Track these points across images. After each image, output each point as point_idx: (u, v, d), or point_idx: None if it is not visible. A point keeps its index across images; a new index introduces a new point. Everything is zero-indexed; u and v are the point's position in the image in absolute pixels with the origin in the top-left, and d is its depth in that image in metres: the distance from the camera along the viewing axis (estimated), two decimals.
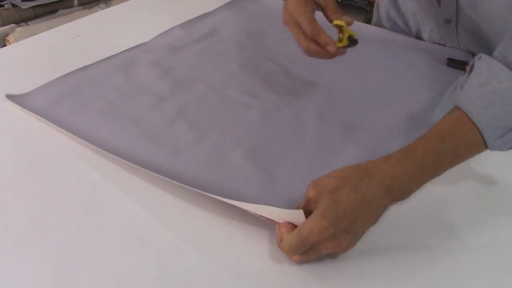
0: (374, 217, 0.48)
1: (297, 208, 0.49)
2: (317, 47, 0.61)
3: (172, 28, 0.92)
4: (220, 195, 0.52)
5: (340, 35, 0.62)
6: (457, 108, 0.51)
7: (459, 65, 0.77)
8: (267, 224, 0.51)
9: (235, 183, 0.57)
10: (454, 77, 0.75)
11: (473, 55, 0.79)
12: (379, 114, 0.68)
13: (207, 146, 0.63)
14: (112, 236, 0.52)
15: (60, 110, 0.69)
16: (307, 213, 0.48)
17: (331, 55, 0.61)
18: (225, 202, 0.52)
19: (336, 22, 0.62)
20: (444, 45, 0.82)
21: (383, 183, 0.47)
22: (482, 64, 0.53)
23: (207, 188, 0.54)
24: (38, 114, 0.68)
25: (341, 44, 0.62)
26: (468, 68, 0.74)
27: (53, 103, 0.70)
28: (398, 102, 0.70)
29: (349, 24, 0.62)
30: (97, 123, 0.66)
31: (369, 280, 0.48)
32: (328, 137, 0.64)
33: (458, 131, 0.49)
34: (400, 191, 0.48)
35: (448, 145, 0.49)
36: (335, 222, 0.45)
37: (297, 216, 0.48)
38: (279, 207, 0.49)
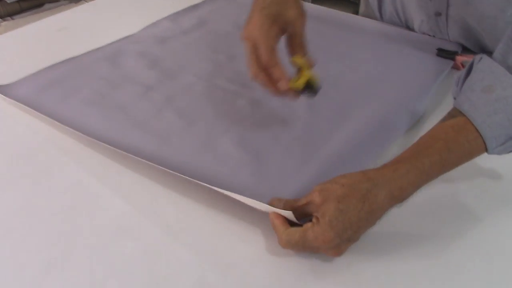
0: (375, 222, 0.48)
1: (291, 204, 0.49)
2: (267, 79, 0.56)
3: (159, 20, 0.91)
4: (209, 183, 0.52)
5: (297, 76, 0.56)
6: (459, 113, 0.51)
7: (448, 55, 0.77)
8: (258, 213, 0.51)
9: (224, 169, 0.56)
10: (444, 67, 0.75)
11: (463, 46, 0.79)
12: (369, 102, 0.67)
13: (196, 133, 0.62)
14: (100, 227, 0.52)
15: (45, 100, 0.68)
16: (303, 215, 0.48)
17: (280, 93, 0.56)
18: (214, 191, 0.51)
19: (296, 59, 0.56)
20: (434, 36, 0.82)
21: (390, 194, 0.47)
22: (485, 67, 0.53)
23: (196, 175, 0.54)
24: (23, 104, 0.66)
25: (295, 86, 0.55)
26: (458, 59, 0.76)
27: (39, 92, 0.69)
28: (388, 91, 0.70)
29: (310, 66, 0.56)
30: (84, 111, 0.65)
31: (363, 269, 0.48)
32: (317, 124, 0.64)
33: (463, 140, 0.49)
34: (404, 199, 0.49)
35: (453, 155, 0.49)
36: (340, 233, 0.45)
37: (287, 215, 0.48)
38: (270, 193, 0.49)
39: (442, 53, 0.78)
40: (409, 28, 0.87)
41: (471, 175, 0.58)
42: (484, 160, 0.54)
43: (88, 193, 0.56)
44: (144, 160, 0.56)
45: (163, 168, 0.55)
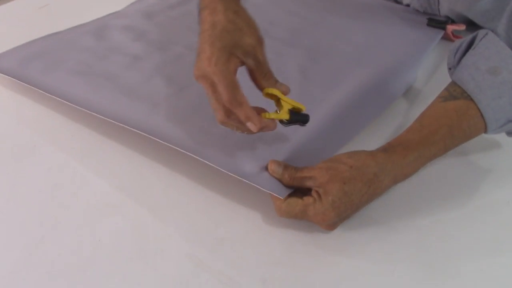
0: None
1: (290, 173, 0.48)
2: (238, 122, 0.48)
3: None
4: (200, 151, 0.51)
5: (278, 108, 0.50)
6: (460, 91, 0.51)
7: (439, 24, 0.76)
8: (247, 187, 0.50)
9: (218, 130, 0.54)
10: (435, 36, 0.74)
11: (452, 20, 0.78)
12: (361, 70, 0.67)
13: (187, 98, 0.60)
14: (87, 204, 0.51)
15: (29, 71, 0.66)
16: (300, 185, 0.47)
17: (255, 131, 0.48)
18: (202, 165, 0.50)
19: (269, 91, 0.49)
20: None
21: (394, 179, 0.48)
22: (490, 45, 0.52)
23: (186, 144, 0.52)
24: (6, 75, 0.65)
25: (280, 117, 0.49)
26: (449, 28, 0.75)
27: (22, 65, 0.67)
28: (380, 60, 0.69)
29: (285, 93, 0.50)
30: (69, 81, 0.63)
31: (355, 242, 0.47)
32: (310, 89, 0.63)
33: (465, 126, 0.50)
34: (403, 180, 0.50)
35: (455, 141, 0.50)
36: (340, 213, 0.45)
37: (280, 196, 0.47)
38: (263, 155, 0.49)
39: (433, 23, 0.77)
40: (399, 3, 0.86)
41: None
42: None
43: (72, 171, 0.55)
44: (133, 129, 0.54)
45: (153, 138, 0.53)
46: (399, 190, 0.51)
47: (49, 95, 0.61)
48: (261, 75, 0.49)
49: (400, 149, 0.48)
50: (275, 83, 0.50)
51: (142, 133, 0.54)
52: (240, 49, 0.47)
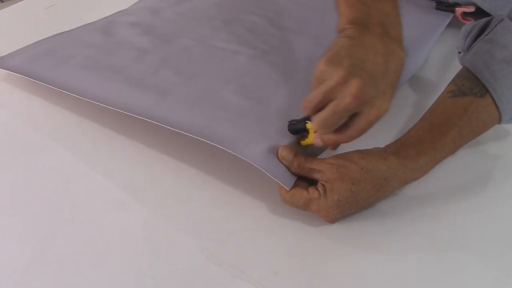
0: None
1: (299, 162, 0.47)
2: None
3: None
4: (208, 134, 0.50)
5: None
6: (470, 86, 0.50)
7: (447, 7, 0.75)
8: (256, 180, 0.50)
9: (227, 114, 0.54)
10: (444, 18, 0.73)
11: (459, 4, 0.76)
12: None
13: (195, 86, 0.60)
14: (99, 200, 0.51)
15: (38, 68, 0.66)
16: (306, 175, 0.47)
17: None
18: (211, 158, 0.50)
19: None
20: None
21: (404, 182, 0.48)
22: (506, 32, 0.51)
23: (194, 129, 0.52)
24: (16, 72, 0.66)
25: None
26: (458, 10, 0.73)
27: (31, 62, 0.68)
28: None
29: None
30: (77, 75, 0.64)
31: (365, 233, 0.47)
32: None
33: (475, 124, 0.50)
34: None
35: (465, 139, 0.50)
36: (344, 211, 0.45)
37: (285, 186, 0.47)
38: (274, 137, 0.49)
39: (441, 6, 0.75)
40: None
41: None
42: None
43: (83, 167, 0.55)
44: (141, 117, 0.54)
45: (161, 125, 0.53)
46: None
47: (58, 89, 0.61)
48: None
49: (413, 153, 0.48)
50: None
51: (150, 120, 0.54)
52: None
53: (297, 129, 0.50)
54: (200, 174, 0.53)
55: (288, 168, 0.47)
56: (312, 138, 0.48)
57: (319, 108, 0.44)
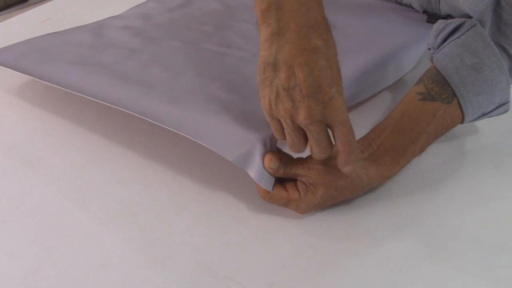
0: None
1: (284, 169, 0.48)
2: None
3: (144, 2, 0.90)
4: (193, 132, 0.50)
5: None
6: (439, 91, 0.52)
7: (439, 19, 0.76)
8: (252, 190, 0.50)
9: (212, 106, 0.54)
10: None
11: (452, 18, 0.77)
12: (362, 59, 0.67)
13: (183, 82, 0.60)
14: (95, 213, 0.51)
15: (27, 62, 0.67)
16: (290, 176, 0.48)
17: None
18: (208, 169, 0.50)
19: None
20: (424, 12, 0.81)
21: (382, 181, 0.51)
22: (478, 38, 0.53)
23: (179, 124, 0.52)
24: (5, 66, 0.66)
25: None
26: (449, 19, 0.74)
27: (20, 57, 0.68)
28: (379, 51, 0.69)
29: None
30: (66, 69, 0.64)
31: (364, 245, 0.47)
32: None
33: (443, 127, 0.53)
34: None
35: (431, 142, 0.53)
36: (321, 207, 0.49)
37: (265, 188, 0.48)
38: (258, 127, 0.50)
39: (432, 19, 0.76)
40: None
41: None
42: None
43: (79, 180, 0.55)
44: (127, 111, 0.54)
45: (146, 119, 0.52)
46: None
47: (45, 82, 0.61)
48: None
49: (388, 162, 0.50)
50: None
51: (135, 114, 0.53)
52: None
53: None
54: (196, 186, 0.53)
55: (273, 175, 0.48)
56: None
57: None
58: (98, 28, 0.77)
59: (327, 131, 0.44)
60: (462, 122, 0.54)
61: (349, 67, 0.66)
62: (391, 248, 0.46)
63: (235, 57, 0.67)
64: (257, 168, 0.48)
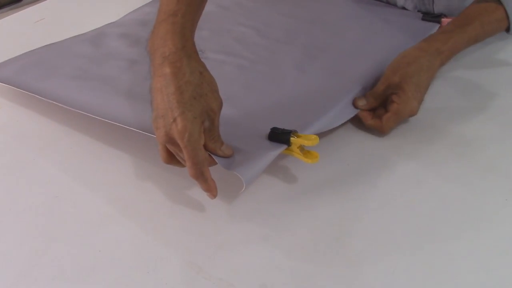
0: None
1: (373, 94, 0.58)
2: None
3: (140, 7, 0.89)
4: None
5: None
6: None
7: (434, 17, 0.75)
8: (245, 193, 0.50)
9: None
10: (430, 27, 0.73)
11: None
12: (357, 62, 0.67)
13: None
14: (87, 214, 0.51)
15: (26, 78, 0.67)
16: (382, 99, 0.58)
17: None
18: None
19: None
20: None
21: (441, 62, 0.62)
22: None
23: None
24: (4, 83, 0.66)
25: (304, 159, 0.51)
26: (444, 21, 0.74)
27: (20, 73, 0.68)
28: (376, 54, 0.69)
29: (228, 156, 0.49)
30: (65, 85, 0.64)
31: (356, 249, 0.47)
32: (307, 82, 0.64)
33: (492, 22, 0.65)
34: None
35: (484, 32, 0.65)
36: (419, 99, 0.58)
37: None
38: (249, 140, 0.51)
39: (427, 17, 0.76)
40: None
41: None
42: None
43: (71, 182, 0.55)
44: (128, 127, 0.54)
45: (148, 134, 0.53)
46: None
47: (46, 100, 0.61)
48: (210, 137, 0.48)
49: (440, 37, 0.62)
50: (221, 146, 0.49)
51: (136, 130, 0.54)
52: (205, 115, 0.47)
53: (279, 138, 0.52)
54: (188, 187, 0.53)
55: (369, 108, 0.58)
56: (295, 153, 0.51)
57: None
58: (97, 37, 0.77)
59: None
60: (508, 29, 0.65)
61: (349, 69, 0.66)
62: (384, 251, 0.46)
63: (232, 65, 0.67)
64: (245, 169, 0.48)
